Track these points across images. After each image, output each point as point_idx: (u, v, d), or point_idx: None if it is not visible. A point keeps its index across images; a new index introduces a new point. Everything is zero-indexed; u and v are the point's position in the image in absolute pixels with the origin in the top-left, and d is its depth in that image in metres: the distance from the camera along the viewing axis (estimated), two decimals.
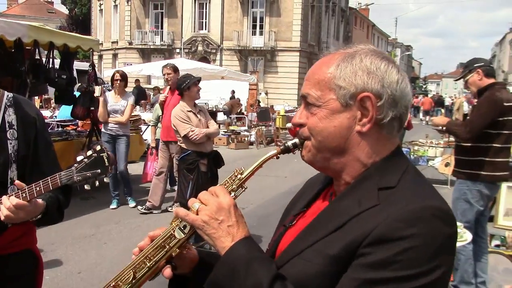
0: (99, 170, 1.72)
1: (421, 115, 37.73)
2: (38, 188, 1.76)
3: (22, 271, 2.04)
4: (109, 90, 7.89)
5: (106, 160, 1.72)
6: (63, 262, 5.26)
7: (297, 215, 1.30)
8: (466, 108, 20.03)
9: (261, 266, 1.07)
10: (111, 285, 1.22)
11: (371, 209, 1.05)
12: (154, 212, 7.23)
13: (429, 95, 52.85)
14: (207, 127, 5.67)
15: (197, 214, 1.14)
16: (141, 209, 7.23)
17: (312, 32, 38.10)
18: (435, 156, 10.41)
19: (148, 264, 1.19)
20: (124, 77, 7.38)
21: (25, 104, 2.05)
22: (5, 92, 2.01)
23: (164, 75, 7.15)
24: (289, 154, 1.24)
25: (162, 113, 7.23)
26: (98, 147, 1.73)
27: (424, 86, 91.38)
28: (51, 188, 1.75)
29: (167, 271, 1.20)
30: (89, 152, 1.74)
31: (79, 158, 1.74)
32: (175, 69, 7.07)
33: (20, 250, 2.03)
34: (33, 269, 2.11)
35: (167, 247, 1.19)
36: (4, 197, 1.77)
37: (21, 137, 1.95)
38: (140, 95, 17.90)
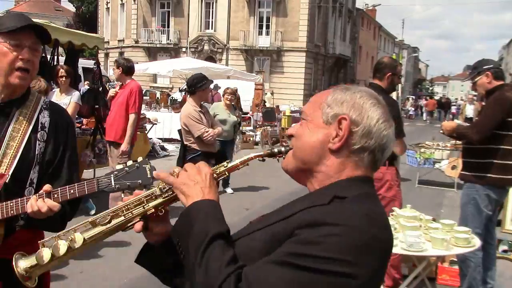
0: (140, 181, 1.67)
1: (424, 116, 38.53)
2: (72, 191, 1.74)
3: None
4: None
5: (148, 171, 1.67)
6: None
7: None
8: (468, 111, 19.84)
9: (214, 221, 1.18)
10: (89, 220, 1.36)
11: (317, 206, 1.15)
12: None
13: (435, 98, 53.44)
14: (211, 127, 5.64)
15: (177, 178, 1.29)
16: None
17: (318, 32, 37.98)
18: (441, 158, 10.30)
19: (123, 214, 1.35)
20: (69, 73, 6.55)
21: (60, 111, 2.12)
22: (42, 96, 2.09)
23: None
24: None
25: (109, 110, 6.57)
26: (140, 158, 1.67)
27: (430, 88, 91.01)
28: (86, 193, 1.74)
29: (137, 226, 1.35)
30: (130, 162, 1.69)
31: (118, 166, 1.70)
32: (118, 65, 6.24)
33: None
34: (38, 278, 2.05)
35: (144, 203, 1.34)
36: (35, 197, 1.76)
37: (51, 141, 1.97)
38: None
